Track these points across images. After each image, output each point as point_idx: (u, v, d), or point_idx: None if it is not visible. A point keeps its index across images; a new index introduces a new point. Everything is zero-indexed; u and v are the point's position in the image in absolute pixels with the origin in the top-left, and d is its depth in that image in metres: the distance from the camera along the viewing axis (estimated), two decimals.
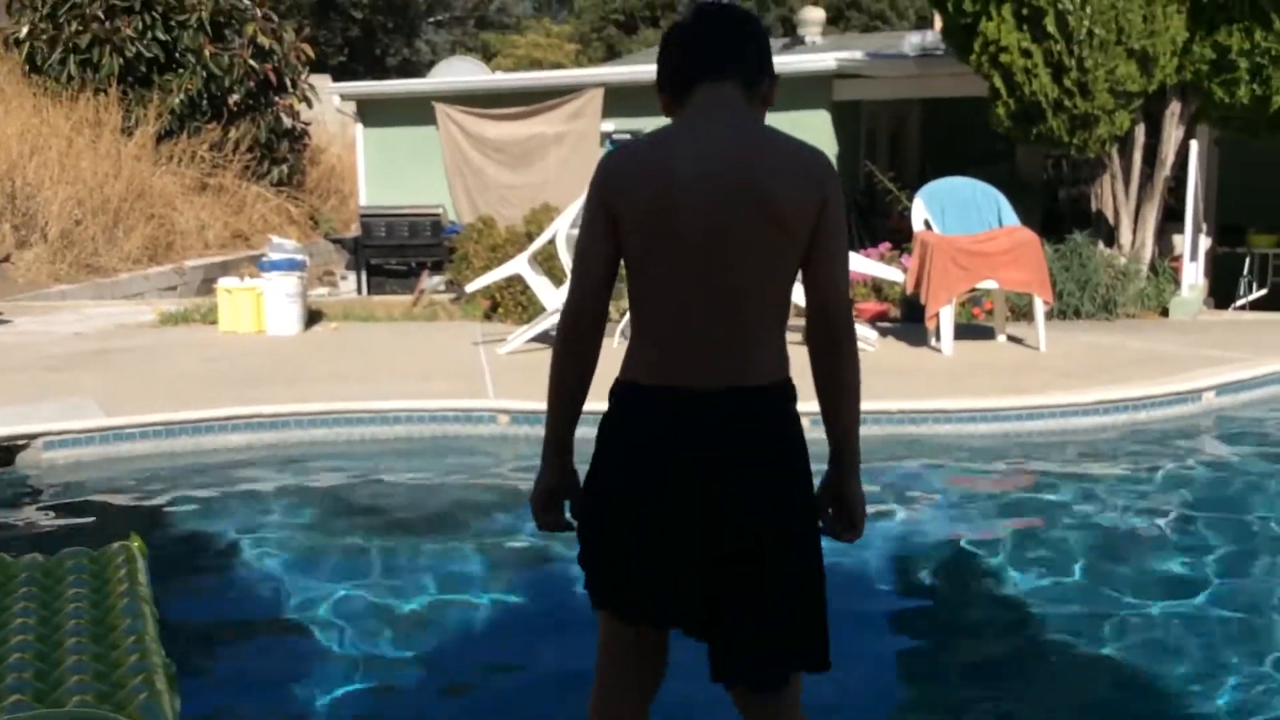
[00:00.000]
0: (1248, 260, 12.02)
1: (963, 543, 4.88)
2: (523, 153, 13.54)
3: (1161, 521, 5.14)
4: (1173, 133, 9.98)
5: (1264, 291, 11.83)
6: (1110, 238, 10.42)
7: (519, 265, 8.79)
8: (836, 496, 2.25)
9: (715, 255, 2.09)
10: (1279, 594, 4.24)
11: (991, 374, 7.30)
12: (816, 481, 2.25)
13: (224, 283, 9.92)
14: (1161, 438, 6.37)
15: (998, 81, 9.59)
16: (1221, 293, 11.72)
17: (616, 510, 2.18)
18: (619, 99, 13.25)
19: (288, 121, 17.16)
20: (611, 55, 30.42)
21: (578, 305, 2.19)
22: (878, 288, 10.16)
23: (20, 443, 5.89)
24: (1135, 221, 10.33)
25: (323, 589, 4.31)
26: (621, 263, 2.20)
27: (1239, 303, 11.78)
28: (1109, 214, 10.49)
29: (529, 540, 4.73)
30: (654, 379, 2.17)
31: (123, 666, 2.25)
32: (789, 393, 2.20)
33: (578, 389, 2.24)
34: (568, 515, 2.31)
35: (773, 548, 2.13)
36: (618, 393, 2.23)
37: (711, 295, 2.11)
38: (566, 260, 8.51)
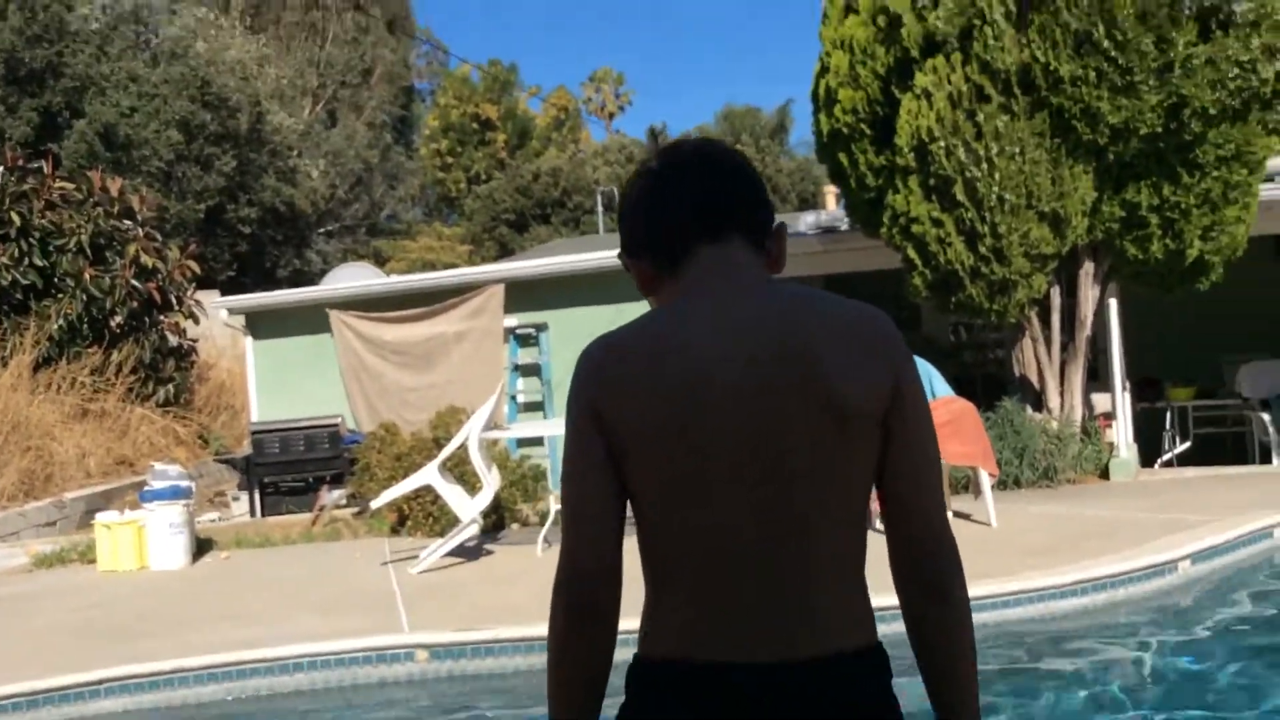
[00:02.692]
0: (1168, 414, 11.88)
1: None
2: (423, 354, 13.01)
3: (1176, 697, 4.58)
4: (1089, 292, 9.86)
5: (1188, 444, 11.66)
6: (1037, 402, 10.15)
7: (429, 475, 8.12)
8: None
9: (764, 471, 1.49)
10: None
11: None
12: None
13: (102, 518, 9.05)
14: (1147, 613, 5.86)
15: (911, 253, 9.40)
16: (1142, 448, 11.51)
17: None
18: (519, 294, 12.89)
19: (173, 339, 16.46)
20: (504, 253, 30.47)
21: (580, 571, 1.53)
22: None
23: None
24: (1061, 383, 10.09)
25: None
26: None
27: (1165, 457, 11.58)
28: (1033, 378, 10.24)
29: None
30: (689, 652, 1.51)
31: None
32: (884, 663, 1.57)
33: (589, 692, 1.57)
34: None
35: None
36: (640, 678, 1.56)
37: (763, 528, 1.50)
38: (480, 465, 7.88)
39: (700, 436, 1.48)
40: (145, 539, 8.71)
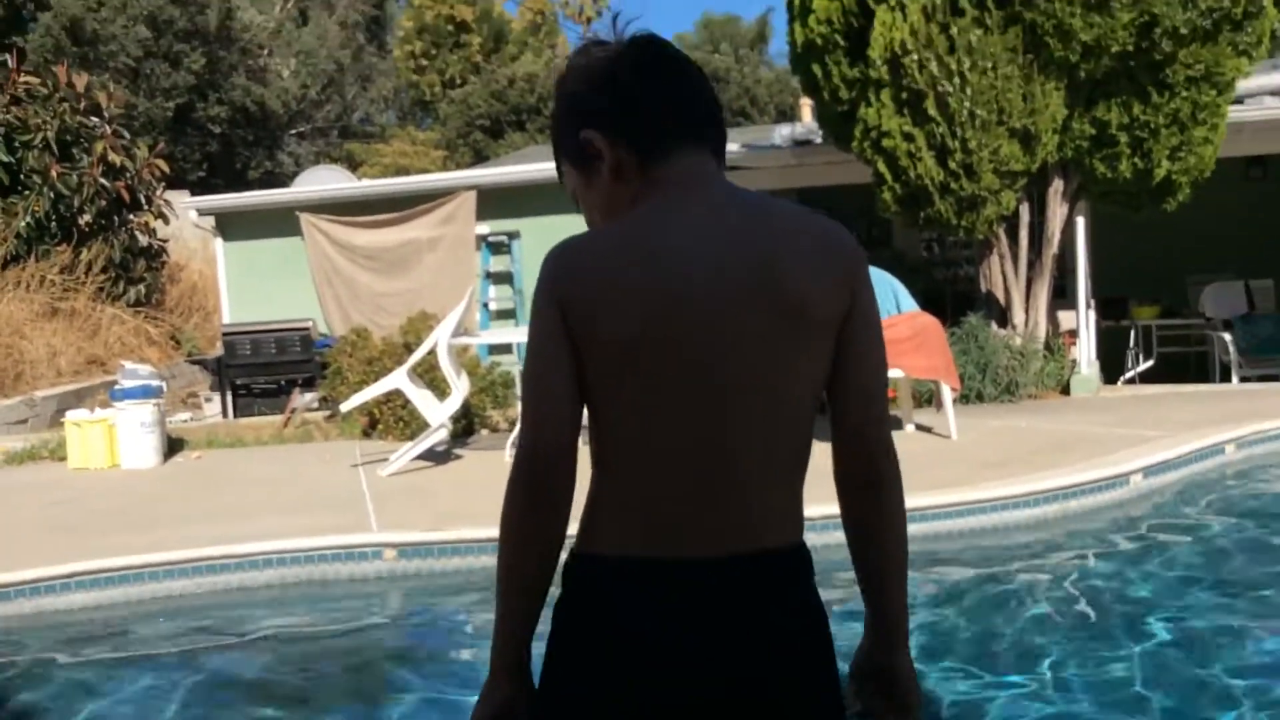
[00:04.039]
0: (1132, 333, 12.06)
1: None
2: (396, 259, 13.00)
3: (1118, 608, 4.76)
4: (1058, 210, 9.93)
5: (1151, 363, 11.85)
6: (1002, 318, 10.27)
7: (398, 379, 8.19)
8: (881, 673, 1.69)
9: (728, 376, 1.53)
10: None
11: (909, 468, 6.89)
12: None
13: (72, 415, 9.09)
14: (1099, 525, 6.04)
15: (882, 167, 9.42)
16: (1107, 366, 11.70)
17: None
18: (492, 201, 12.85)
19: (144, 239, 16.34)
20: (479, 160, 30.15)
21: (541, 451, 1.54)
22: None
23: None
24: (1027, 300, 10.21)
25: None
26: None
27: (1127, 375, 11.78)
28: (999, 294, 10.36)
29: (424, 703, 4.10)
30: (641, 548, 1.55)
31: None
32: (809, 559, 1.66)
33: (541, 575, 1.57)
34: None
35: None
36: (583, 574, 1.59)
37: (721, 430, 1.53)
38: (449, 371, 7.95)
39: (668, 347, 1.51)
40: (116, 437, 8.76)
